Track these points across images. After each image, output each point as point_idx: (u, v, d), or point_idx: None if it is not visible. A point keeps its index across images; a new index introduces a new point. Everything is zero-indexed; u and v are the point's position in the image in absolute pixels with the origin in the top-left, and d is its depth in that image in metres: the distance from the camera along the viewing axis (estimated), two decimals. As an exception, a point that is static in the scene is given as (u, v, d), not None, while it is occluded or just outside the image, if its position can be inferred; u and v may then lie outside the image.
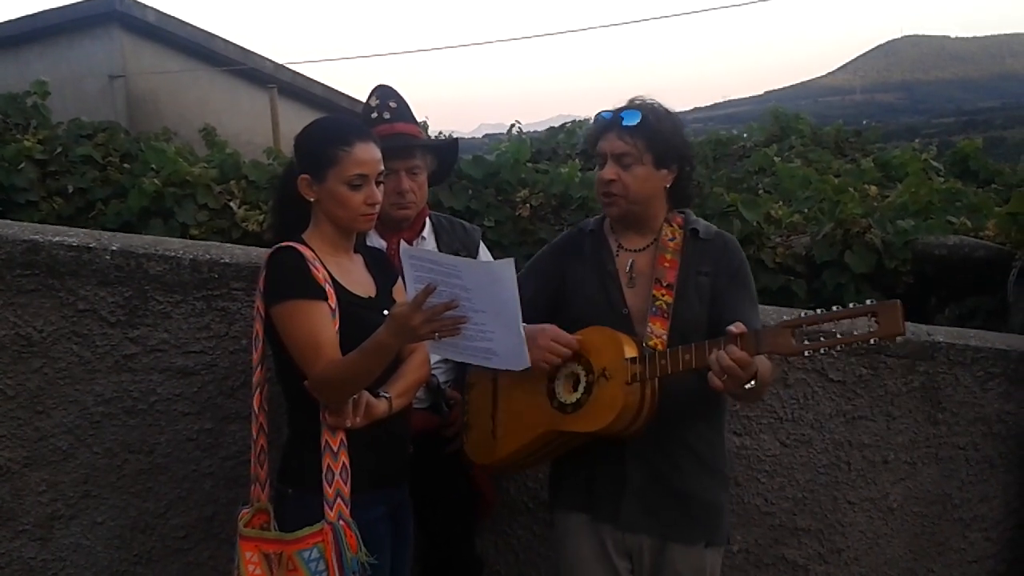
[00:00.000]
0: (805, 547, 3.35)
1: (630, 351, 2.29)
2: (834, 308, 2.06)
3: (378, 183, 2.29)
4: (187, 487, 2.97)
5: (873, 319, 2.01)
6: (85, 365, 2.87)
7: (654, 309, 2.36)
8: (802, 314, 2.12)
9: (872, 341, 2.01)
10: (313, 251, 2.25)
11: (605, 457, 2.42)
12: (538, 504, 3.15)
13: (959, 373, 3.38)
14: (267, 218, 4.90)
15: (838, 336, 2.06)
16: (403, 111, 2.80)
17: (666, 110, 2.43)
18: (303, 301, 2.17)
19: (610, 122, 2.40)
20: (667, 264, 2.40)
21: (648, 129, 2.36)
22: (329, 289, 2.21)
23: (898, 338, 2.02)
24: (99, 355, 2.87)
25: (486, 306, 2.04)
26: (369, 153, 2.26)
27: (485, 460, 2.61)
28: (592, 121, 2.52)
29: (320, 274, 2.21)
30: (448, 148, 2.96)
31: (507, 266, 2.01)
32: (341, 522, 2.16)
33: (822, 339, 2.07)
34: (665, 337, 2.33)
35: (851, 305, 2.05)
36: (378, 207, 2.31)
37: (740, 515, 3.28)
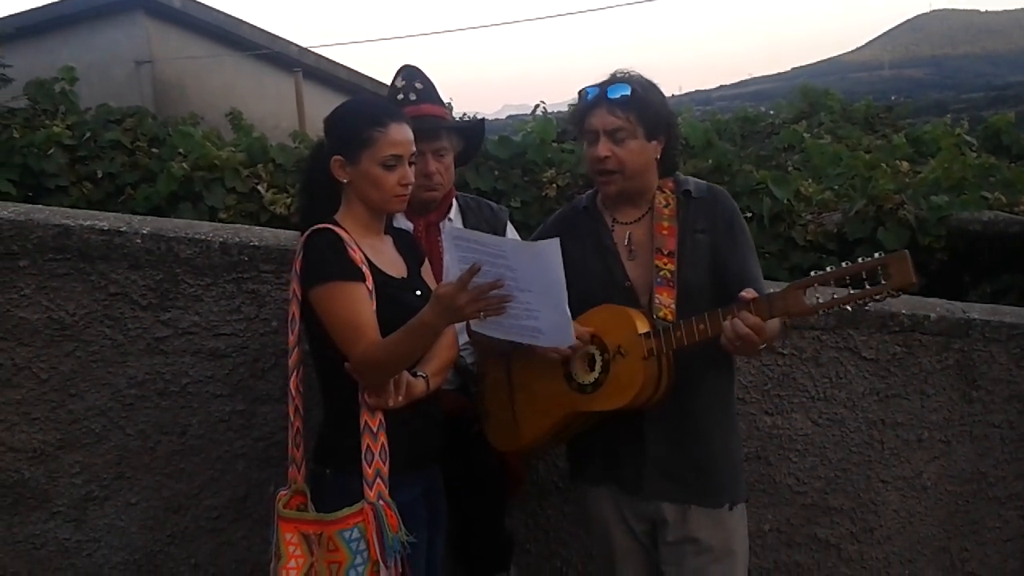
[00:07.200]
0: (837, 526, 3.33)
1: (642, 326, 2.27)
2: (843, 264, 2.04)
3: (410, 163, 2.29)
4: (219, 468, 3.00)
5: (883, 271, 1.98)
6: (117, 348, 2.90)
7: (659, 279, 2.34)
8: (812, 273, 2.09)
9: (885, 294, 2.00)
10: (347, 232, 2.24)
11: (624, 428, 2.41)
12: (568, 483, 3.15)
13: (994, 350, 3.33)
14: (294, 201, 4.90)
15: (850, 292, 2.02)
16: (429, 92, 2.78)
17: (649, 80, 2.40)
18: (343, 283, 2.17)
19: (598, 97, 2.36)
20: (665, 231, 2.38)
21: (638, 101, 2.33)
22: (366, 270, 2.20)
23: (905, 291, 2.00)
24: (131, 338, 2.90)
25: (532, 285, 2.03)
26: (403, 133, 2.25)
27: (509, 447, 2.62)
28: (577, 97, 2.46)
29: (357, 255, 2.20)
30: (474, 129, 2.94)
31: (552, 246, 2.00)
32: (381, 502, 2.16)
33: (834, 296, 2.05)
34: (673, 306, 2.31)
35: (859, 260, 2.02)
36: (411, 188, 2.30)
37: (771, 494, 3.26)
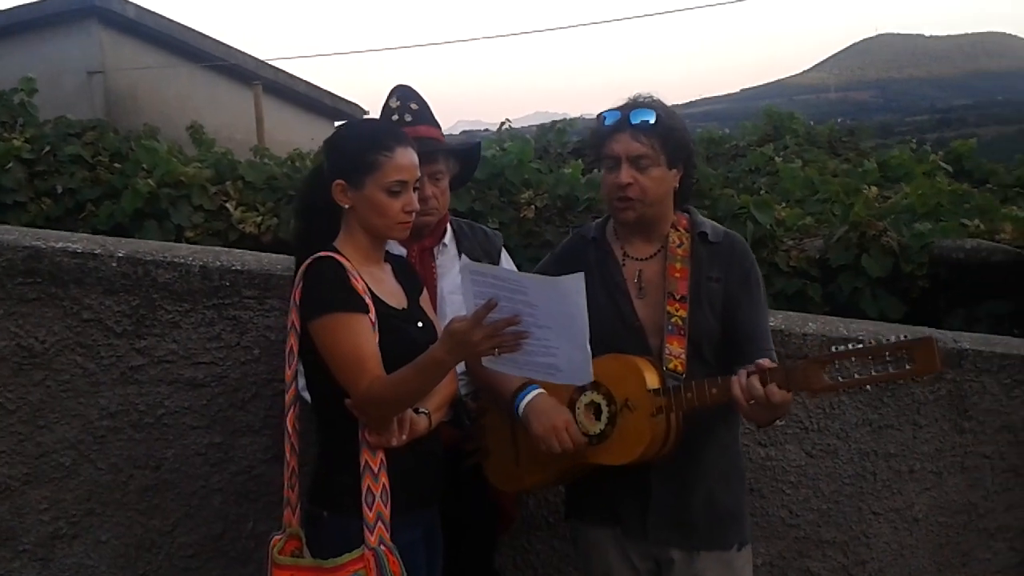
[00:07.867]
0: (830, 559, 3.27)
1: (652, 380, 2.21)
2: (870, 342, 2.02)
3: (415, 189, 2.18)
4: (195, 503, 2.87)
5: (908, 355, 1.96)
6: (89, 377, 2.77)
7: (670, 327, 2.27)
8: (832, 349, 2.06)
9: (908, 379, 2.01)
10: (348, 260, 2.13)
11: (627, 472, 2.31)
12: (558, 519, 3.06)
13: (986, 381, 3.31)
14: (264, 220, 4.77)
15: (873, 373, 2.00)
16: (424, 113, 2.69)
17: (668, 106, 2.34)
18: (346, 314, 2.06)
19: (620, 122, 2.28)
20: (678, 275, 2.32)
21: (663, 128, 2.26)
22: (369, 301, 2.10)
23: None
24: (104, 367, 2.77)
25: (551, 322, 1.95)
26: (409, 158, 2.16)
27: (510, 487, 2.56)
28: (596, 121, 2.37)
29: (359, 285, 2.10)
30: (471, 152, 2.86)
31: (576, 281, 1.91)
32: (382, 547, 2.05)
33: (856, 375, 2.02)
34: (684, 357, 2.25)
35: (884, 340, 2.00)
36: (415, 215, 2.20)
37: (764, 527, 3.20)
